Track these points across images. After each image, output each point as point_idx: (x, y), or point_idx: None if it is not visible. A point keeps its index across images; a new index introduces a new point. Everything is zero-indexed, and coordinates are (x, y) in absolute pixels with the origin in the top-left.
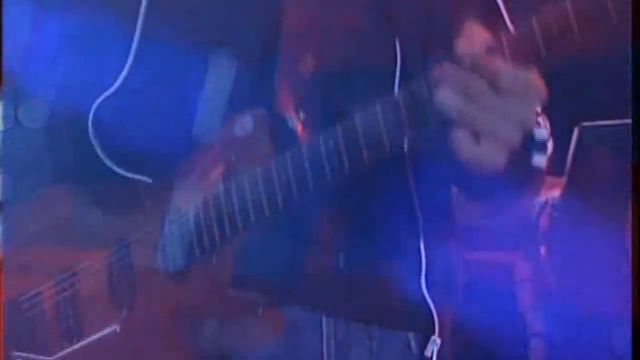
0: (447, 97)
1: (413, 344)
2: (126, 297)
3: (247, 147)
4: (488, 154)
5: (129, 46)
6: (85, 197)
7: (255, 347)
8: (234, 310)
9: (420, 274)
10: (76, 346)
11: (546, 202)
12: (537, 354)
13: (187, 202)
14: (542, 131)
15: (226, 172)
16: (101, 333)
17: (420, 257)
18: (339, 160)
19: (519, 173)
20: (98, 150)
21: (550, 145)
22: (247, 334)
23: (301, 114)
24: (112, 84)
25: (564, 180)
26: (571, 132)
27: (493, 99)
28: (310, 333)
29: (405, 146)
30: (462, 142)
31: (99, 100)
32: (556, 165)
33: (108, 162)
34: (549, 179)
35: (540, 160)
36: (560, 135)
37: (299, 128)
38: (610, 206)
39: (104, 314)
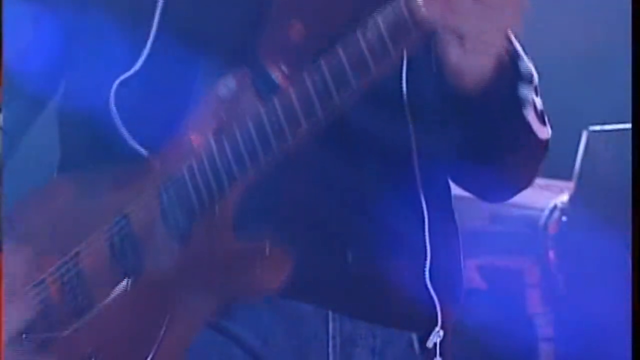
0: (428, 9)
1: (416, 345)
2: (131, 266)
3: (234, 105)
4: (474, 58)
5: (144, 38)
6: (84, 186)
7: (262, 293)
8: (238, 255)
9: (424, 268)
10: (86, 317)
11: (555, 207)
12: (547, 358)
13: (182, 166)
14: (527, 63)
15: (217, 131)
16: (110, 297)
17: (426, 250)
18: (327, 94)
19: (508, 114)
20: (118, 124)
21: (535, 78)
22: (254, 278)
23: (284, 68)
24: (123, 72)
25: (572, 184)
26: (579, 136)
27: (475, 5)
28: (316, 328)
29: (404, 92)
30: (447, 46)
31: (119, 79)
32: (564, 169)
33: (126, 135)
34: (558, 183)
35: (526, 91)
36: (569, 140)
37: (282, 82)
38: (620, 210)
39: (111, 285)
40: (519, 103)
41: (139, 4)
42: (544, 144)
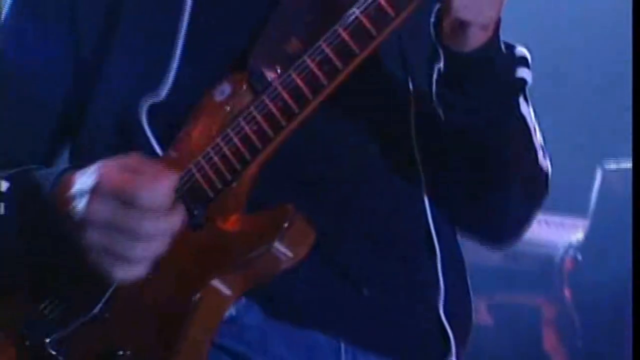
0: None
1: None
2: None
3: (233, 105)
4: (479, 3)
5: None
6: None
7: (285, 265)
8: (254, 230)
9: (438, 301)
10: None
11: (570, 244)
12: None
13: (189, 164)
14: (521, 50)
15: (220, 129)
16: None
17: (439, 284)
18: (330, 66)
19: (508, 103)
20: (150, 137)
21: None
22: (274, 251)
23: (278, 69)
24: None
25: (587, 222)
26: (594, 173)
27: None
28: (328, 358)
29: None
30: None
31: (150, 101)
32: (579, 207)
33: (155, 144)
34: (573, 221)
35: (524, 71)
36: (584, 177)
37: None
38: (635, 247)
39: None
40: (516, 87)
41: (165, 19)
42: (545, 173)
